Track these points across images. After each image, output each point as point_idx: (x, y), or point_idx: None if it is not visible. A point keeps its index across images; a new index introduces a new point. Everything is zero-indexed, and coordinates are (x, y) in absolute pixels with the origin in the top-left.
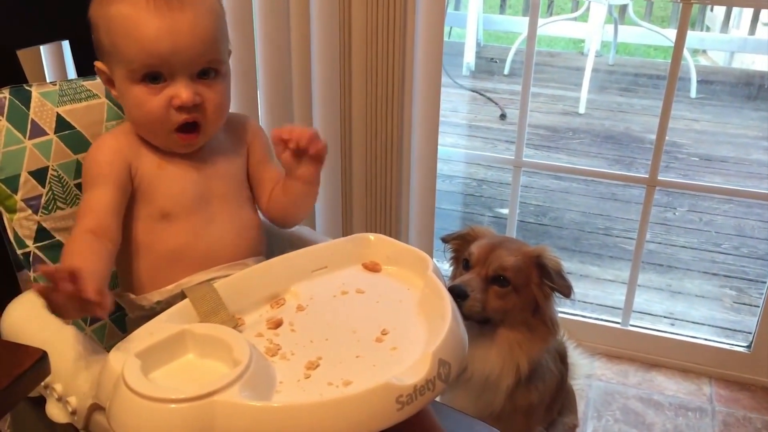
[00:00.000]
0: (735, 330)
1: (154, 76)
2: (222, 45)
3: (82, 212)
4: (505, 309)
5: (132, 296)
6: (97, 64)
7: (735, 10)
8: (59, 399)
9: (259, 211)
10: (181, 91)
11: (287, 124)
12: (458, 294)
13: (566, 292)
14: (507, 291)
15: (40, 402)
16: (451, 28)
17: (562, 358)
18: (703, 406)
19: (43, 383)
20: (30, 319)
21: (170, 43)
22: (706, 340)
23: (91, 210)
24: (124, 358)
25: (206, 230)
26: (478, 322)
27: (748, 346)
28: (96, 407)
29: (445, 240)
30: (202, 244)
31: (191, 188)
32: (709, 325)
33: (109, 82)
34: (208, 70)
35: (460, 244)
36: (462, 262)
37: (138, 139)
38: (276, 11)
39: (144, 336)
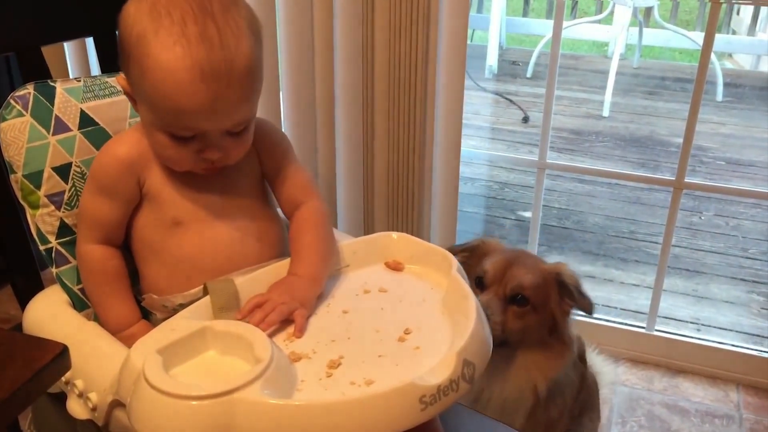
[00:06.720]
0: (763, 336)
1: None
2: (256, 101)
3: (90, 221)
4: (524, 329)
5: (155, 296)
6: (120, 81)
7: (762, 13)
8: (80, 395)
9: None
10: (211, 152)
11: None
12: None
13: (588, 308)
14: (526, 310)
15: (61, 398)
16: (473, 30)
17: (580, 355)
18: (731, 413)
19: (63, 379)
20: (52, 314)
21: (209, 119)
22: (733, 345)
23: (101, 224)
24: (145, 354)
25: (226, 237)
26: (496, 345)
27: None
28: (117, 403)
29: (452, 252)
30: (225, 251)
31: (203, 195)
32: (736, 331)
33: (131, 98)
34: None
35: (468, 257)
36: (474, 280)
37: (150, 147)
38: (299, 14)
39: (165, 332)
